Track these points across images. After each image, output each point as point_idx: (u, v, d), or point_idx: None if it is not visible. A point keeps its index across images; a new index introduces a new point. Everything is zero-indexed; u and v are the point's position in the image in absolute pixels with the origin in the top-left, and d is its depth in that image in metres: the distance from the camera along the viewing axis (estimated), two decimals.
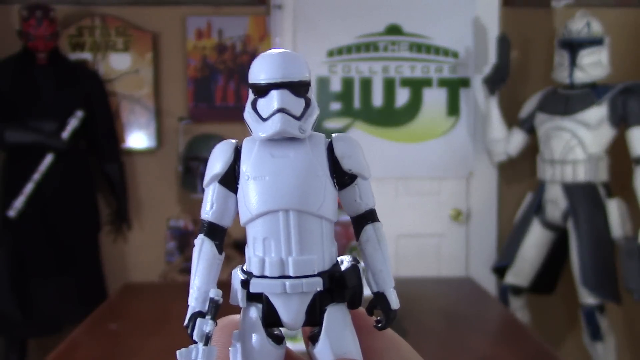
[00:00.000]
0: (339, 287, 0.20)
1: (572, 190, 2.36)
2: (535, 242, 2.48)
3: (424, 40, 2.76)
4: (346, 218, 0.22)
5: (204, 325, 0.20)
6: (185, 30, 2.71)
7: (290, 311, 0.20)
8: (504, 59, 2.48)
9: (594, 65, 2.37)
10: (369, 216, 0.21)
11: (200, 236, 0.21)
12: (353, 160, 0.20)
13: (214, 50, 2.72)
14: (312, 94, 0.21)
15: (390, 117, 2.77)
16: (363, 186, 0.21)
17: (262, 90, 0.19)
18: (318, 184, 0.19)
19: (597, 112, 2.33)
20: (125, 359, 1.41)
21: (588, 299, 2.33)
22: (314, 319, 0.20)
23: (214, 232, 0.21)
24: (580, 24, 2.38)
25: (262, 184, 0.19)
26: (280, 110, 0.19)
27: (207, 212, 0.21)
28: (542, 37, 2.73)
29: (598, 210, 2.32)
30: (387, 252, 0.21)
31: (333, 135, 0.21)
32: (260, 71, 0.19)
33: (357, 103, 2.77)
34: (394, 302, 0.20)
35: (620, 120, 2.33)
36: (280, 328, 0.21)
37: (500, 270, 2.58)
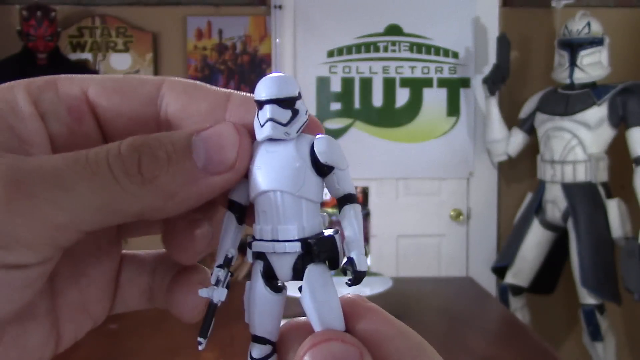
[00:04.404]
0: (315, 250, 0.26)
1: (572, 190, 2.36)
2: (535, 242, 2.48)
3: (424, 41, 2.76)
4: None
5: (218, 272, 0.27)
6: (186, 30, 2.71)
7: (281, 267, 0.27)
8: (504, 59, 2.48)
9: (593, 65, 2.37)
10: (348, 198, 0.27)
11: (227, 212, 0.28)
12: (328, 154, 0.26)
13: (214, 50, 2.72)
14: (302, 104, 0.27)
15: (390, 117, 2.77)
16: (340, 175, 0.27)
17: (260, 105, 0.27)
18: (297, 172, 0.26)
19: (597, 113, 2.33)
20: (125, 359, 1.41)
21: (588, 299, 2.33)
22: (298, 274, 0.27)
23: (233, 207, 0.28)
24: (580, 24, 2.38)
25: (260, 172, 0.27)
26: (270, 119, 0.26)
27: (231, 192, 0.28)
28: (542, 37, 2.73)
29: (598, 210, 2.32)
30: (358, 225, 0.27)
31: (317, 136, 0.27)
32: (259, 90, 0.27)
33: (357, 103, 2.77)
34: (360, 264, 0.25)
35: (620, 121, 2.33)
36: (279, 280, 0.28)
37: (500, 270, 2.58)
